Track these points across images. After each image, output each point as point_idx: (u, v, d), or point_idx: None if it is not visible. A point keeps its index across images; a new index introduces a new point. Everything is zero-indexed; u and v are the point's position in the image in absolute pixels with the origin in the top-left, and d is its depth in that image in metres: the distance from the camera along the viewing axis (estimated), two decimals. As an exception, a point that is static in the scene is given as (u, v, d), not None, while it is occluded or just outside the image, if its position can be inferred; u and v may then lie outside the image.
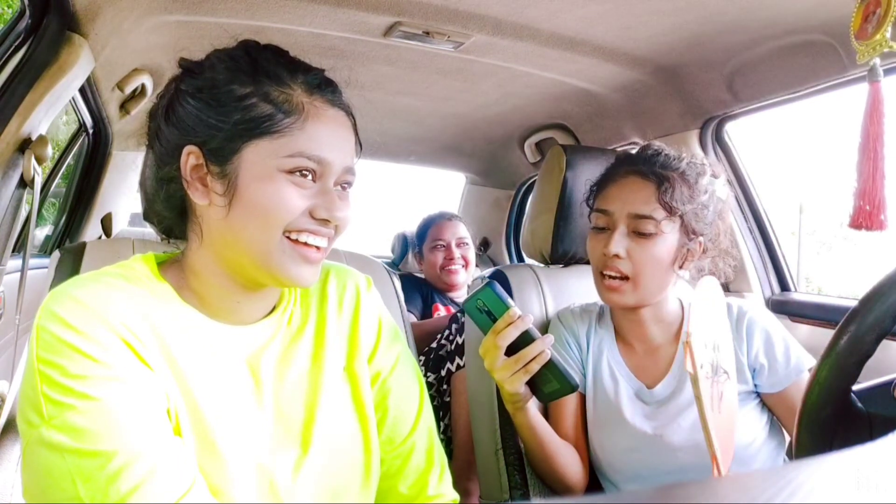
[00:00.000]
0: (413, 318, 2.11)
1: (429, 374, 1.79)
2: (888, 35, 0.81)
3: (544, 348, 0.87)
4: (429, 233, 2.25)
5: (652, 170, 1.05)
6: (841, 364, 0.64)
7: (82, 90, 1.50)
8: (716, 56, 1.35)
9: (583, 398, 1.12)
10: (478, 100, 1.88)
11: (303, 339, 0.75)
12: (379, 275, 1.15)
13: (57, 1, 1.07)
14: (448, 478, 0.81)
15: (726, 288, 1.61)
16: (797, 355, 1.03)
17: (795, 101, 1.39)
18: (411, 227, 2.73)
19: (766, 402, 1.05)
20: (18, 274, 1.18)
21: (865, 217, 0.81)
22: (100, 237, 1.81)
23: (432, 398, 1.77)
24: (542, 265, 1.36)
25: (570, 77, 1.58)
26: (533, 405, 0.99)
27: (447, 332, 1.79)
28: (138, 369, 0.61)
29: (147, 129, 0.73)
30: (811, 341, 1.42)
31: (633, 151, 1.15)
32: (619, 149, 1.72)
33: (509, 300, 0.88)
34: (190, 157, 0.66)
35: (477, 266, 2.34)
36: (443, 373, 1.76)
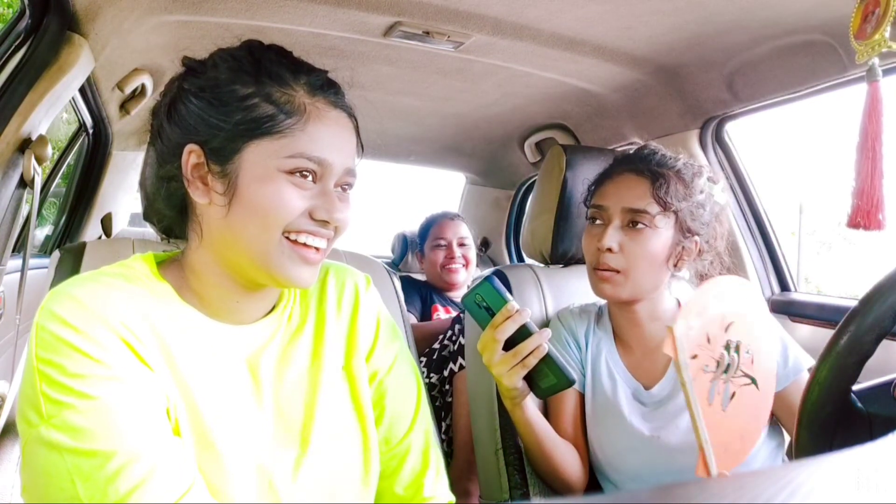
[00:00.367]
0: (413, 319, 2.11)
1: (431, 374, 1.79)
2: (887, 35, 0.81)
3: (542, 342, 0.87)
4: (431, 231, 2.25)
5: (647, 167, 1.07)
6: (841, 364, 0.64)
7: (82, 90, 1.50)
8: (716, 56, 1.35)
9: (582, 397, 1.12)
10: (478, 100, 1.88)
11: (302, 337, 0.75)
12: (379, 275, 1.15)
13: (57, 1, 1.07)
14: (444, 480, 0.81)
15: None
16: (795, 355, 1.03)
17: (795, 101, 1.39)
18: (411, 227, 2.74)
19: None
20: (18, 274, 1.18)
21: (864, 216, 0.81)
22: (100, 237, 1.81)
23: (434, 399, 1.78)
24: (541, 265, 1.36)
25: (570, 77, 1.58)
26: (531, 402, 0.99)
27: (450, 332, 1.79)
28: (138, 369, 0.61)
29: (150, 127, 0.73)
30: (811, 341, 1.43)
31: (630, 152, 1.15)
32: (618, 149, 1.72)
33: (507, 294, 0.89)
34: (191, 155, 0.66)
35: (477, 266, 2.34)
36: (445, 373, 1.77)
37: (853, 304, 0.66)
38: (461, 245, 2.22)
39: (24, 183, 1.10)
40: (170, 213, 0.72)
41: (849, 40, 0.86)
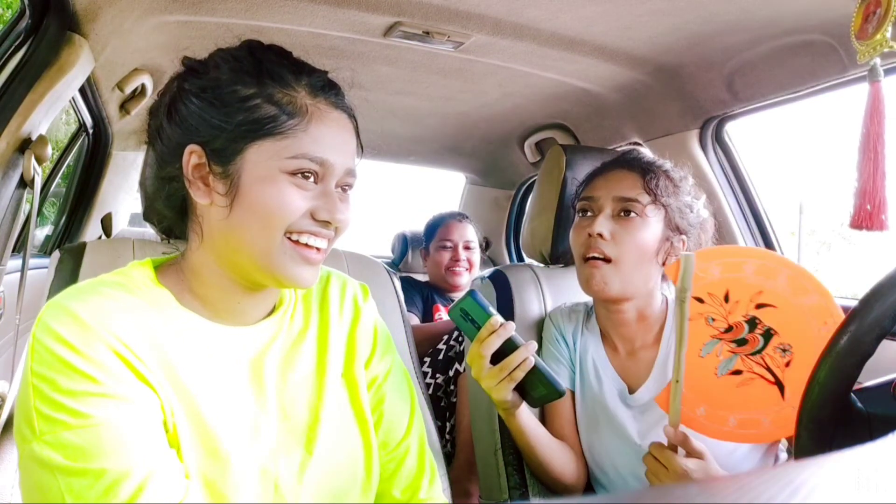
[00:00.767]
0: (415, 319, 2.11)
1: (437, 374, 1.79)
2: (888, 35, 0.81)
3: (528, 355, 0.87)
4: (437, 232, 2.25)
5: (638, 164, 1.09)
6: (841, 364, 0.64)
7: (82, 90, 1.50)
8: (716, 56, 1.35)
9: (574, 397, 1.12)
10: (478, 100, 1.88)
11: (306, 341, 0.76)
12: (379, 275, 1.15)
13: (57, 1, 1.07)
14: (438, 483, 0.82)
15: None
16: None
17: (795, 101, 1.39)
18: (411, 227, 2.73)
19: None
20: (18, 274, 1.18)
21: (866, 217, 0.81)
22: (100, 237, 1.81)
23: (440, 399, 1.78)
24: (541, 265, 1.36)
25: (569, 77, 1.58)
26: (526, 409, 0.99)
27: (455, 333, 1.79)
28: (133, 385, 0.60)
29: (147, 127, 0.73)
30: (811, 341, 1.42)
31: (618, 154, 1.17)
32: (618, 149, 1.72)
33: (491, 309, 0.89)
34: (192, 156, 0.66)
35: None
36: (451, 373, 1.77)
37: (853, 304, 0.66)
38: (466, 248, 2.22)
39: (24, 183, 1.10)
40: (170, 213, 0.72)
41: (849, 40, 0.86)
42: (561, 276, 1.32)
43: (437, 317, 2.18)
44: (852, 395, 0.68)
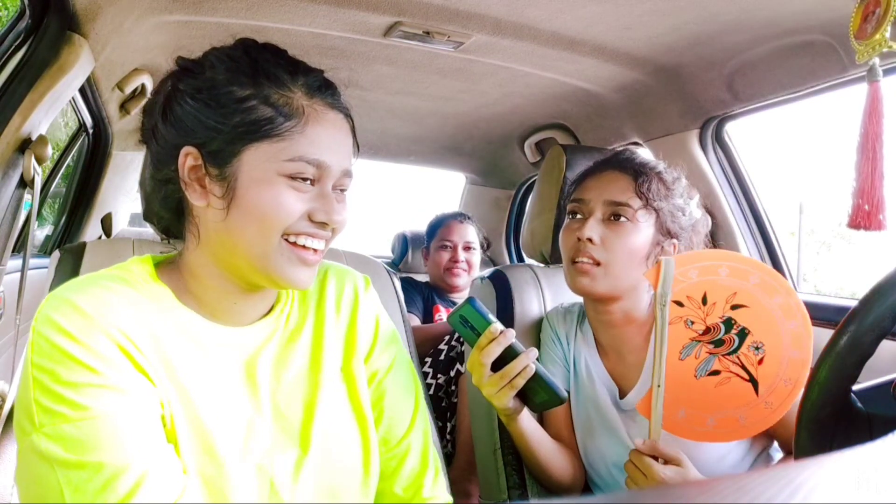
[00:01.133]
0: (415, 320, 2.11)
1: (438, 375, 1.79)
2: (887, 35, 0.81)
3: (528, 363, 0.87)
4: (438, 231, 2.25)
5: (630, 165, 1.07)
6: (841, 364, 0.64)
7: (82, 90, 1.50)
8: (716, 56, 1.35)
9: (570, 399, 1.12)
10: (478, 100, 1.88)
11: (301, 338, 0.75)
12: (379, 275, 1.15)
13: (57, 1, 1.07)
14: (442, 481, 0.81)
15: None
16: None
17: (795, 101, 1.39)
18: (411, 227, 2.74)
19: None
20: (18, 274, 1.18)
21: (864, 217, 0.81)
22: (100, 237, 1.81)
23: (441, 399, 1.78)
24: (541, 265, 1.36)
25: (570, 77, 1.58)
26: (527, 414, 0.99)
27: (457, 333, 1.79)
28: (133, 377, 0.60)
29: (141, 126, 0.73)
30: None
31: (609, 155, 1.16)
32: (617, 149, 1.72)
33: (490, 316, 0.88)
34: (188, 158, 0.66)
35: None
36: (452, 374, 1.77)
37: (853, 304, 0.66)
38: (466, 249, 2.21)
39: (24, 183, 1.10)
40: (167, 214, 0.72)
41: (849, 40, 0.86)
42: (561, 276, 1.32)
43: (437, 317, 2.18)
44: (852, 395, 0.68)
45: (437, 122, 2.16)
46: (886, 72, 0.89)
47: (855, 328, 0.64)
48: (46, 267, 0.98)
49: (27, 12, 1.07)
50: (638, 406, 0.91)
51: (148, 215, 0.96)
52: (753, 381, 0.88)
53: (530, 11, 1.23)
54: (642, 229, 1.03)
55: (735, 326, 0.88)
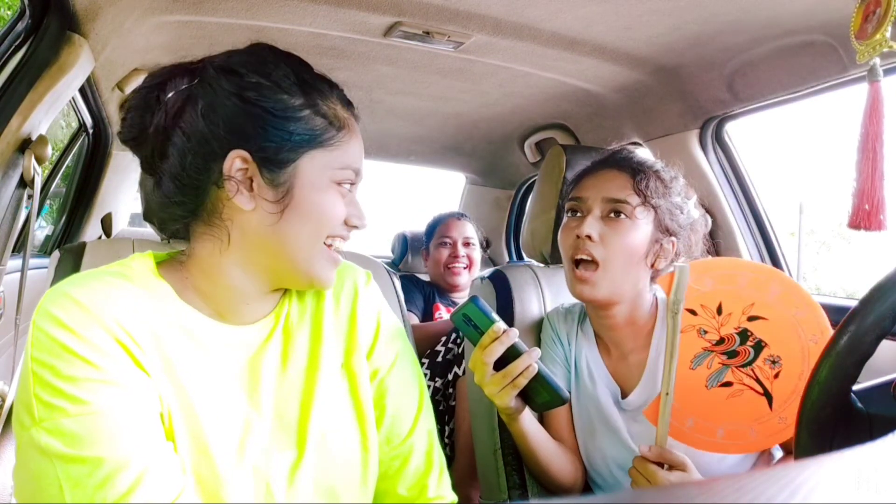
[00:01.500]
0: (414, 318, 2.11)
1: (436, 378, 1.79)
2: (888, 35, 0.81)
3: (531, 362, 0.86)
4: (437, 230, 2.26)
5: (628, 164, 1.07)
6: (841, 364, 0.64)
7: (82, 90, 1.50)
8: (716, 56, 1.35)
9: (571, 399, 1.12)
10: (478, 100, 1.88)
11: (299, 336, 0.75)
12: (379, 275, 1.15)
13: (57, 1, 1.07)
14: (447, 480, 0.81)
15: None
16: None
17: (795, 101, 1.39)
18: (411, 227, 2.74)
19: None
20: (18, 274, 1.18)
21: (864, 217, 0.81)
22: (100, 237, 1.80)
23: (439, 403, 1.78)
24: (541, 265, 1.36)
25: (570, 77, 1.58)
26: (528, 414, 0.99)
27: (454, 335, 1.79)
28: (132, 372, 0.60)
29: (159, 116, 0.67)
30: (811, 341, 1.42)
31: (607, 154, 1.16)
32: (614, 148, 1.72)
33: (494, 315, 0.88)
34: (236, 161, 0.65)
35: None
36: (450, 377, 1.76)
37: (853, 304, 0.66)
38: (466, 245, 2.22)
39: (24, 183, 1.10)
40: (184, 213, 0.69)
41: (849, 40, 0.86)
42: (561, 276, 1.31)
43: (437, 316, 2.17)
44: (852, 395, 0.68)
45: (437, 122, 2.17)
46: (887, 72, 0.89)
47: (855, 328, 0.64)
48: (46, 267, 0.98)
49: (27, 12, 1.07)
50: (645, 412, 0.91)
51: (148, 215, 0.96)
52: (768, 395, 0.87)
53: (530, 11, 1.23)
54: (641, 226, 1.03)
55: (751, 338, 0.87)
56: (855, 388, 0.68)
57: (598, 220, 1.03)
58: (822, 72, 1.23)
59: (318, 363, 0.74)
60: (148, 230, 1.07)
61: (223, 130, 0.65)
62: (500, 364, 0.87)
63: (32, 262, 1.26)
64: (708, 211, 1.57)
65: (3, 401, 1.02)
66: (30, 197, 1.11)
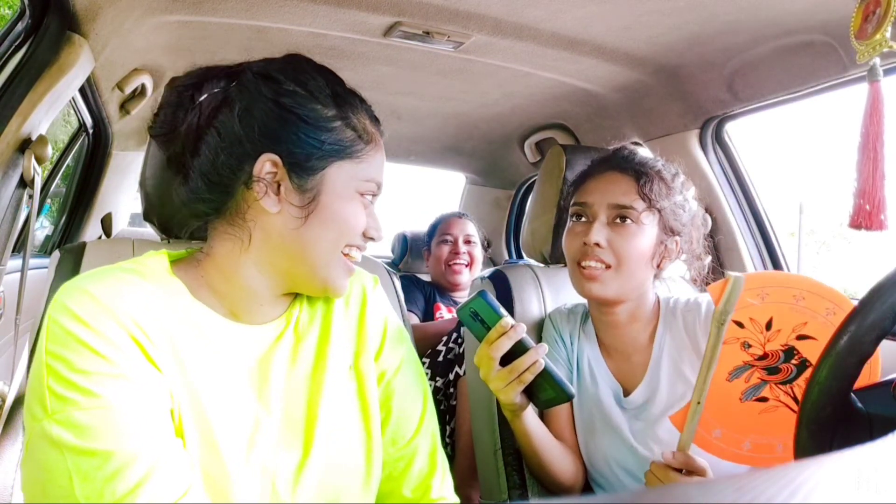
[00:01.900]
0: (415, 318, 2.11)
1: (437, 378, 1.78)
2: (888, 35, 0.81)
3: (538, 358, 0.86)
4: (438, 228, 2.28)
5: (631, 165, 1.07)
6: (841, 364, 0.64)
7: (82, 90, 1.50)
8: (716, 56, 1.35)
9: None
10: (478, 100, 1.88)
11: (309, 336, 0.76)
12: (379, 275, 1.15)
13: (57, 1, 1.07)
14: (450, 481, 0.81)
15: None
16: None
17: (795, 101, 1.39)
18: (412, 228, 2.74)
19: None
20: (18, 274, 1.18)
21: (865, 217, 0.81)
22: (100, 237, 1.80)
23: (440, 402, 1.78)
24: (541, 265, 1.36)
25: (570, 77, 1.58)
26: (531, 411, 0.99)
27: (455, 335, 1.79)
28: (144, 368, 0.61)
29: (202, 118, 0.69)
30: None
31: (609, 154, 1.16)
32: (615, 147, 1.72)
33: (502, 310, 0.87)
34: (266, 164, 0.67)
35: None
36: (451, 377, 1.76)
37: (853, 304, 0.66)
38: (467, 242, 2.22)
39: (24, 183, 1.10)
40: (208, 210, 0.70)
41: (849, 40, 0.86)
42: (561, 276, 1.32)
43: (437, 315, 2.17)
44: (852, 395, 0.68)
45: (437, 122, 2.16)
46: (887, 72, 0.89)
47: (855, 328, 0.64)
48: (46, 267, 0.98)
49: (27, 12, 1.07)
50: (671, 418, 0.90)
51: (148, 215, 0.96)
52: (784, 374, 0.86)
53: (530, 11, 1.23)
54: (647, 230, 1.03)
55: (797, 356, 0.85)
56: (855, 388, 0.68)
57: (604, 227, 1.03)
58: (822, 72, 1.23)
59: (326, 364, 0.75)
60: (148, 230, 1.07)
61: (257, 133, 0.67)
62: (506, 360, 0.87)
63: (32, 262, 1.26)
64: (708, 211, 1.57)
65: (3, 401, 1.02)
66: (30, 197, 1.11)
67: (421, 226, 2.48)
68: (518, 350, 0.87)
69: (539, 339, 1.21)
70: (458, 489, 0.84)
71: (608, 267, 1.02)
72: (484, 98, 1.86)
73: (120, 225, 2.42)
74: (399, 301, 1.17)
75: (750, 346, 0.87)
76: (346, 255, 0.72)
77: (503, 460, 1.18)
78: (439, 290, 2.26)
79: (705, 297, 1.08)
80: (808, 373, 0.84)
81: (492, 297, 0.88)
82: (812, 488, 0.22)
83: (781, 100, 1.39)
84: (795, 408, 0.85)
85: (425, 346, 1.82)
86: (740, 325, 0.87)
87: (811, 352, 0.85)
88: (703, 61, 1.39)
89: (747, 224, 1.61)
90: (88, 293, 0.61)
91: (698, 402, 0.85)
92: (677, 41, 1.32)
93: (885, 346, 0.67)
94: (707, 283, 0.93)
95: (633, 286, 1.04)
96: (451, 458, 1.71)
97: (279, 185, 0.68)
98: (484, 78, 1.66)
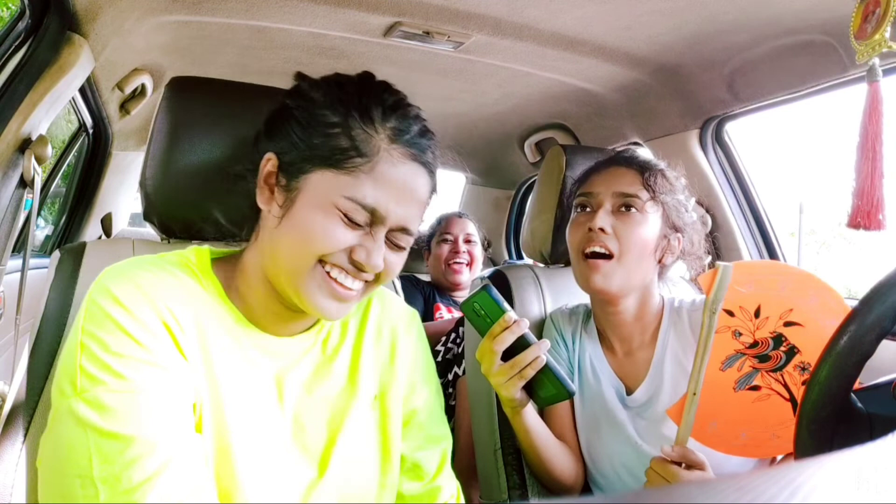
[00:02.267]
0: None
1: None
2: (887, 35, 0.81)
3: (540, 354, 0.86)
4: (438, 227, 2.27)
5: (635, 161, 1.09)
6: (841, 364, 0.64)
7: (82, 90, 1.50)
8: (716, 56, 1.35)
9: (573, 398, 1.12)
10: (478, 100, 1.88)
11: (338, 360, 0.76)
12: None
13: (57, 1, 1.07)
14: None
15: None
16: None
17: (795, 101, 1.39)
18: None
19: None
20: (18, 274, 1.18)
21: (864, 216, 0.81)
22: (100, 237, 1.80)
23: None
24: (541, 265, 1.36)
25: (570, 77, 1.58)
26: (531, 409, 0.99)
27: (453, 335, 1.78)
28: (175, 358, 0.62)
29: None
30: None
31: (613, 153, 1.17)
32: (618, 149, 1.72)
33: (505, 304, 0.88)
34: (269, 163, 0.68)
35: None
36: (450, 377, 1.76)
37: (853, 304, 0.66)
38: (467, 241, 2.23)
39: (24, 183, 1.10)
40: (247, 210, 0.74)
41: (849, 40, 0.86)
42: (561, 276, 1.32)
43: (437, 315, 2.17)
44: (852, 395, 0.68)
45: (437, 123, 2.13)
46: (886, 72, 0.89)
47: (855, 328, 0.64)
48: (46, 267, 0.98)
49: (27, 12, 1.07)
50: (669, 412, 0.91)
51: (149, 214, 0.96)
52: (793, 401, 0.86)
53: (530, 11, 1.23)
54: (651, 221, 1.04)
55: (785, 343, 0.87)
56: (855, 388, 0.68)
57: (609, 214, 1.04)
58: (822, 72, 1.24)
59: (353, 390, 0.75)
60: (148, 230, 1.07)
61: (268, 134, 0.70)
62: (508, 355, 0.87)
63: (32, 262, 1.26)
64: (708, 211, 1.57)
65: (3, 401, 1.02)
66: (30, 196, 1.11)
67: (421, 225, 2.47)
68: (520, 345, 0.87)
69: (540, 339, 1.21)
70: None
71: (612, 256, 1.02)
72: (484, 98, 1.86)
73: (120, 225, 2.43)
74: (399, 301, 1.17)
75: (741, 334, 0.88)
76: (328, 273, 0.65)
77: (503, 460, 1.18)
78: (439, 290, 2.26)
79: (701, 297, 1.09)
80: (796, 359, 0.85)
81: (496, 291, 0.88)
82: (812, 488, 0.23)
83: (781, 100, 1.39)
84: (786, 395, 0.86)
85: None
86: (731, 313, 0.88)
87: (798, 338, 0.86)
88: (703, 61, 1.39)
89: (747, 224, 1.61)
90: (131, 278, 0.62)
91: (694, 394, 0.85)
92: (677, 41, 1.32)
93: (885, 346, 0.67)
94: None
95: (637, 279, 1.04)
96: (451, 458, 1.70)
97: (274, 185, 0.68)
98: (484, 78, 1.66)
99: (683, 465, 0.87)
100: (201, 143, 0.92)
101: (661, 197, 1.04)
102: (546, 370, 0.87)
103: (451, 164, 2.82)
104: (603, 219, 1.03)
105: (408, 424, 0.80)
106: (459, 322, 1.78)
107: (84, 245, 1.00)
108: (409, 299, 2.12)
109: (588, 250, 1.03)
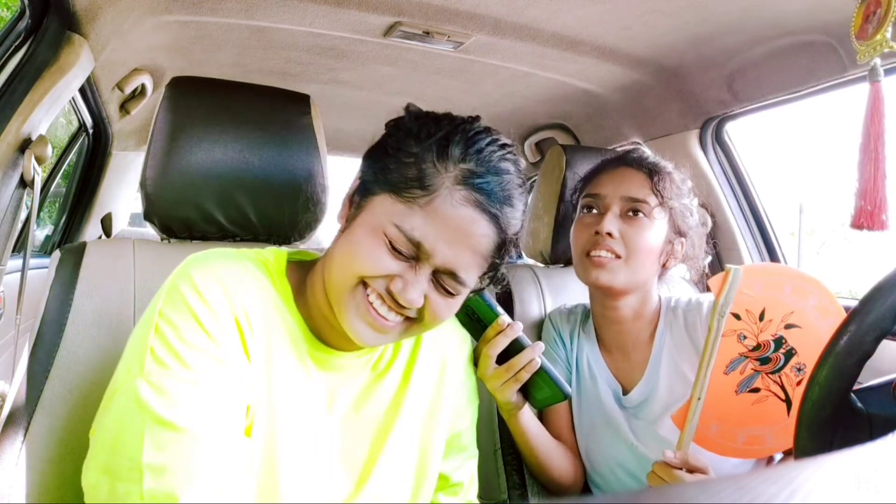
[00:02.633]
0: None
1: None
2: (888, 35, 0.81)
3: (534, 357, 0.86)
4: None
5: (644, 163, 1.08)
6: (841, 364, 0.64)
7: (82, 90, 1.50)
8: (716, 56, 1.35)
9: (571, 399, 1.12)
10: (478, 100, 1.88)
11: (387, 379, 0.76)
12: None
13: (57, 1, 1.07)
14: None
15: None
16: None
17: (795, 101, 1.39)
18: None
19: None
20: (18, 274, 1.18)
21: (867, 217, 0.81)
22: (100, 237, 1.81)
23: None
24: (541, 265, 1.36)
25: (570, 77, 1.58)
26: (528, 410, 0.99)
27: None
28: (240, 357, 0.62)
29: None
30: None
31: (621, 152, 1.16)
32: (618, 149, 1.72)
33: (499, 308, 0.88)
34: (358, 182, 0.70)
35: None
36: None
37: (853, 304, 0.66)
38: None
39: (24, 183, 1.10)
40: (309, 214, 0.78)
41: (849, 40, 0.86)
42: (561, 276, 1.32)
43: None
44: (852, 395, 0.68)
45: (437, 122, 2.16)
46: (887, 72, 0.89)
47: (855, 328, 0.64)
48: (46, 267, 0.98)
49: (27, 12, 1.07)
50: (673, 417, 0.91)
51: (149, 214, 0.96)
52: (788, 402, 0.87)
53: (530, 11, 1.23)
54: (658, 226, 1.04)
55: (784, 345, 0.87)
56: (855, 388, 0.68)
57: (616, 218, 1.03)
58: (822, 72, 1.23)
59: (400, 411, 0.76)
60: (148, 230, 1.07)
61: (363, 155, 0.72)
62: (503, 358, 0.88)
63: (32, 262, 1.26)
64: (708, 211, 1.57)
65: (3, 401, 1.02)
66: (30, 196, 1.11)
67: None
68: (515, 348, 0.87)
69: (538, 340, 1.21)
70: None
71: (618, 257, 1.02)
72: (484, 98, 1.86)
73: (120, 225, 2.42)
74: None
75: (745, 337, 0.88)
76: (367, 295, 0.65)
77: (503, 460, 1.18)
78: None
79: (707, 297, 1.08)
80: (793, 361, 0.85)
81: (489, 295, 0.88)
82: (812, 488, 0.22)
83: (781, 100, 1.39)
84: (782, 396, 0.86)
85: None
86: (737, 316, 0.88)
87: (797, 340, 0.87)
88: (704, 61, 1.39)
89: (747, 224, 1.61)
90: (214, 270, 0.63)
91: (699, 399, 0.85)
92: (677, 41, 1.32)
93: (885, 346, 0.67)
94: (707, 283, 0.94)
95: (641, 280, 1.04)
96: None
97: (349, 203, 0.71)
98: (484, 78, 1.66)
99: (685, 469, 0.87)
100: (201, 143, 0.92)
101: (669, 202, 1.04)
102: (541, 372, 0.87)
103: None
104: (611, 223, 1.02)
105: (451, 445, 0.82)
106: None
107: (84, 245, 1.00)
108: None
109: (594, 253, 1.03)
